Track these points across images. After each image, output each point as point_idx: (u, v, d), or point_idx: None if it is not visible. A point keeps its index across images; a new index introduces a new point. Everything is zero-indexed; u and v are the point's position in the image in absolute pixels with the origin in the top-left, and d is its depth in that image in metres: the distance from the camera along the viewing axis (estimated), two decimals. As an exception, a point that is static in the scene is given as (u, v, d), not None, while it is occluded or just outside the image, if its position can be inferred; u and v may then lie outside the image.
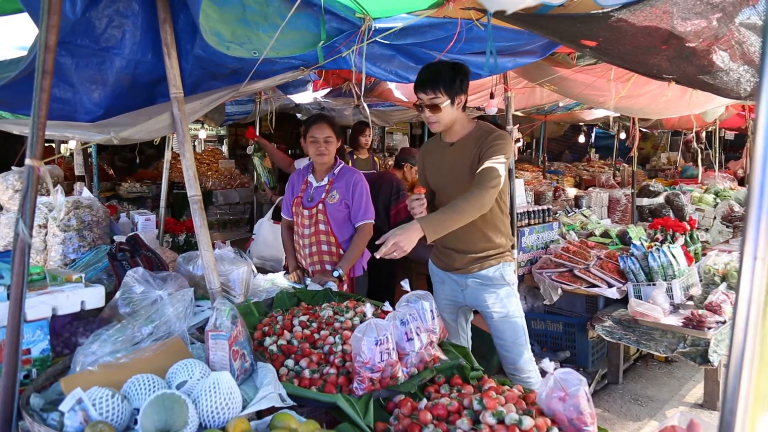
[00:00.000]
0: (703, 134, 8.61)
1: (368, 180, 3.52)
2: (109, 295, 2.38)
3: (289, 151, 9.47)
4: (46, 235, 3.23)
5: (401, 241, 2.26)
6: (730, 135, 11.19)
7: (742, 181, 9.77)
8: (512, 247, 2.93)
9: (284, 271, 3.43)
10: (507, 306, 2.79)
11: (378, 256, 2.30)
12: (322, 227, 3.32)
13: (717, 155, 9.41)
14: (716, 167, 9.39)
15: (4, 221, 3.47)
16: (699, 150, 8.41)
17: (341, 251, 3.34)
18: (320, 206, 3.32)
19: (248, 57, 2.50)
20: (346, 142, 5.93)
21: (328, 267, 3.31)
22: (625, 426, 3.78)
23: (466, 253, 2.79)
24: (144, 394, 1.65)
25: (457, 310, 2.98)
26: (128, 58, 2.47)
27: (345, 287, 3.29)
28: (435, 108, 2.63)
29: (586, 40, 1.73)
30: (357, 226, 3.35)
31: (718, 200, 7.74)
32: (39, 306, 2.04)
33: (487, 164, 2.54)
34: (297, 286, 3.01)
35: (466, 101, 2.70)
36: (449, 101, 2.61)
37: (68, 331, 2.25)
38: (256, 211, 8.42)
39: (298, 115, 7.61)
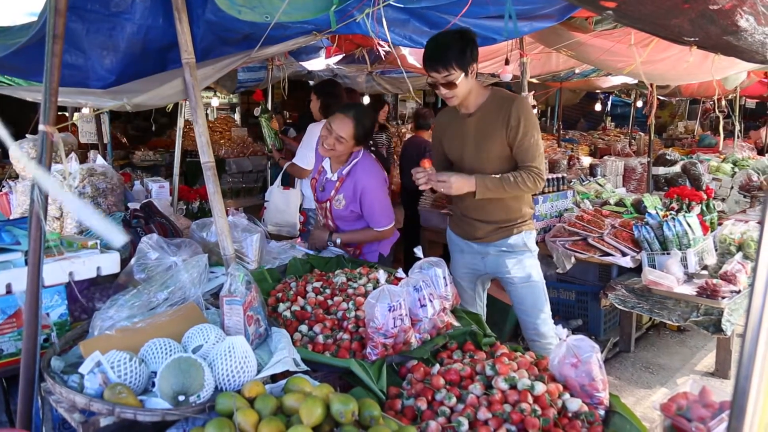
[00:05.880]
0: (723, 102, 8.41)
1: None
2: (125, 262, 2.42)
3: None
4: (61, 202, 3.26)
5: (455, 183, 2.53)
6: (751, 103, 10.93)
7: (761, 151, 9.57)
8: (531, 215, 2.92)
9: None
10: (528, 271, 2.80)
11: (422, 182, 2.56)
12: (330, 222, 3.15)
13: (737, 123, 9.20)
14: (735, 136, 9.20)
15: (20, 189, 3.51)
16: (719, 117, 8.22)
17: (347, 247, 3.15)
18: (327, 204, 3.11)
19: (260, 21, 2.46)
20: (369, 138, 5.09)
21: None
22: (635, 393, 3.80)
23: (489, 223, 2.78)
24: (161, 358, 1.68)
25: (476, 278, 2.97)
26: (139, 23, 2.45)
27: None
28: (450, 85, 2.56)
29: (606, 1, 1.68)
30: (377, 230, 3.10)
31: (736, 169, 7.61)
32: (56, 271, 2.08)
33: (533, 149, 2.62)
34: (310, 252, 3.02)
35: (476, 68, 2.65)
36: (463, 74, 2.56)
37: (85, 297, 2.29)
38: (271, 179, 8.42)
39: (311, 83, 7.54)
